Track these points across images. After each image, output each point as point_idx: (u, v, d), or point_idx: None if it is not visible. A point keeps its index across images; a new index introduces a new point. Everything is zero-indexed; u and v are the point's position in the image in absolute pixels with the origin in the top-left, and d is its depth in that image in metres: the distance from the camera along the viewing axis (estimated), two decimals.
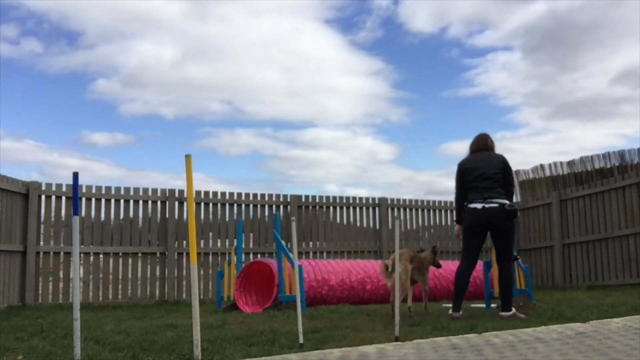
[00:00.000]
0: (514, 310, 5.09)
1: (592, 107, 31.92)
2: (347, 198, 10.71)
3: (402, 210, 11.05)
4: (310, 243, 10.24)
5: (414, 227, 11.12)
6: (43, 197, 8.41)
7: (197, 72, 30.83)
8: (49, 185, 8.46)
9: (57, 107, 29.05)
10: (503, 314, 5.06)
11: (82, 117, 31.28)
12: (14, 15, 25.58)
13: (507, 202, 5.13)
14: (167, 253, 9.14)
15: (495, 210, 5.06)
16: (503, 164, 5.30)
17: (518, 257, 6.17)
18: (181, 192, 9.32)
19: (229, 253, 7.92)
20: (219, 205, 9.65)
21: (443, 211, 11.37)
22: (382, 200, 10.89)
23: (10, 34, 25.83)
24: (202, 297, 8.98)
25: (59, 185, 8.50)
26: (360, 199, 10.80)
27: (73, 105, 29.31)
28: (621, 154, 10.36)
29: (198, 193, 9.44)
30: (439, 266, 5.96)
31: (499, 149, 5.58)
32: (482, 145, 5.47)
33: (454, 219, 5.97)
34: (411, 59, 28.58)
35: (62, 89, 28.86)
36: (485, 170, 5.22)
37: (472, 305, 6.58)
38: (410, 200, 11.18)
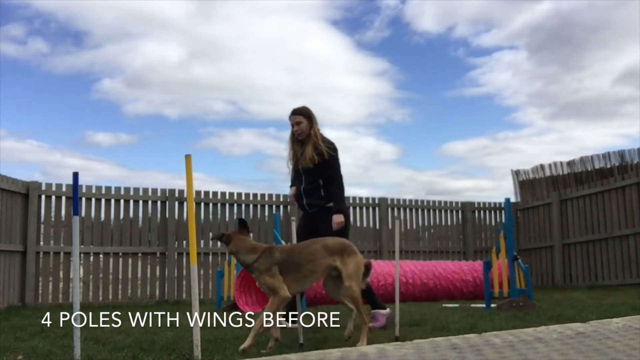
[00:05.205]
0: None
1: (595, 107, 31.83)
2: (347, 198, 10.69)
3: (402, 210, 11.04)
4: None
5: (414, 227, 11.11)
6: (43, 197, 8.41)
7: (202, 72, 30.82)
8: (49, 185, 8.46)
9: (60, 107, 28.99)
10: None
11: (86, 117, 31.18)
12: (22, 15, 25.58)
13: None
14: (167, 253, 9.14)
15: None
16: None
17: (518, 257, 6.16)
18: (181, 192, 9.32)
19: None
20: (219, 205, 9.65)
21: (443, 211, 11.36)
22: (382, 200, 10.88)
23: (17, 33, 25.84)
24: (202, 297, 8.97)
25: (59, 185, 8.50)
26: (360, 198, 10.79)
27: (77, 105, 29.27)
28: (621, 153, 10.34)
29: (198, 193, 9.44)
30: None
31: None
32: None
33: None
34: (417, 59, 28.43)
35: (66, 88, 28.79)
36: None
37: (472, 305, 6.58)
38: (410, 200, 11.18)
